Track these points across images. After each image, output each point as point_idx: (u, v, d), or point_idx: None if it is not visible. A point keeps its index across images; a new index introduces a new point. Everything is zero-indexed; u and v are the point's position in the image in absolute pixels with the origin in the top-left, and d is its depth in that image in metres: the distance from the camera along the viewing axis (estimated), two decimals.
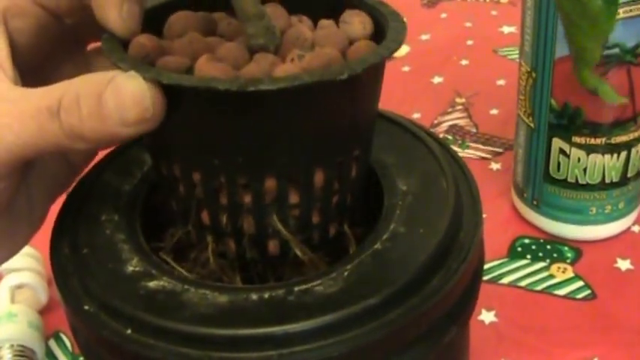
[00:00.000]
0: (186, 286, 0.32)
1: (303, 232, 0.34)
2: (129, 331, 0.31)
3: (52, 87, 0.32)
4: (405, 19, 0.34)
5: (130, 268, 0.34)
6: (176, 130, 0.32)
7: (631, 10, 0.47)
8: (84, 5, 0.34)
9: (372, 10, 0.35)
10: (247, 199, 0.33)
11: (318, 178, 0.33)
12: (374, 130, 0.36)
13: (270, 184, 0.33)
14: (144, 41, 0.33)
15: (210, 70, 0.31)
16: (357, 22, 0.35)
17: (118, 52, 0.32)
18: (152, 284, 0.33)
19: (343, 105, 0.32)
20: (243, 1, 0.32)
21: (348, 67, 0.30)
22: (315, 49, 0.33)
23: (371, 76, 0.33)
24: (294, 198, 0.33)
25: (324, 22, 0.36)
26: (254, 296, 0.32)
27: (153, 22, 0.34)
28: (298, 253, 0.34)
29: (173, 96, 0.30)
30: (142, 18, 0.33)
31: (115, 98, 0.30)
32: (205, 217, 0.34)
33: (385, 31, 0.33)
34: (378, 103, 0.35)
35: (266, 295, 0.32)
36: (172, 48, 0.33)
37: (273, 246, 0.34)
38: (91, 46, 0.39)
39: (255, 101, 0.30)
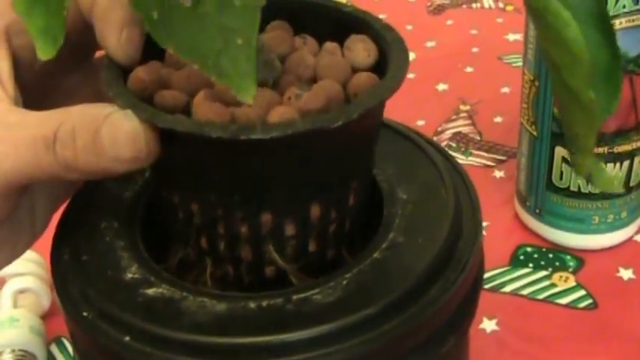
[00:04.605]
0: (184, 294, 0.32)
1: (299, 260, 0.34)
2: (127, 339, 0.31)
3: (50, 115, 0.32)
4: (407, 49, 0.33)
5: (129, 275, 0.34)
6: (172, 165, 0.32)
7: (633, 20, 0.47)
8: (87, 23, 0.34)
9: (377, 35, 0.34)
10: (244, 229, 0.33)
11: (315, 211, 0.33)
12: (374, 160, 0.36)
13: (267, 218, 0.33)
14: (142, 76, 0.32)
15: (206, 111, 0.31)
16: (361, 50, 0.34)
17: (116, 85, 0.32)
18: (151, 292, 0.33)
19: (340, 146, 0.32)
20: None
21: (344, 113, 0.30)
22: (315, 81, 0.33)
23: (370, 116, 0.32)
24: (290, 230, 0.33)
25: (329, 47, 0.35)
26: (252, 304, 0.32)
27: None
28: (294, 280, 0.34)
29: (169, 135, 0.31)
30: (142, 42, 0.33)
31: (111, 136, 0.30)
32: (204, 241, 0.34)
33: (389, 58, 0.33)
34: (379, 135, 0.35)
35: (264, 304, 0.32)
36: (171, 81, 0.33)
37: (270, 271, 0.34)
38: (99, 53, 0.39)
39: (249, 147, 0.30)
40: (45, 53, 0.30)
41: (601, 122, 0.29)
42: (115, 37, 0.32)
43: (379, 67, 0.34)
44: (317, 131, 0.29)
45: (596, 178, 0.32)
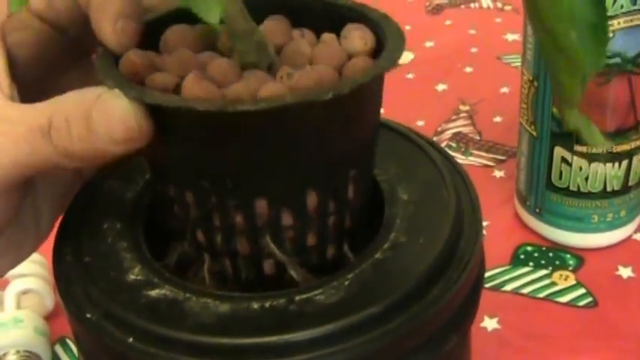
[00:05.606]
0: (187, 295, 0.32)
1: (299, 254, 0.34)
2: (131, 340, 0.31)
3: (43, 105, 0.32)
4: (405, 36, 0.33)
5: (132, 277, 0.34)
6: (165, 150, 0.32)
7: (631, 20, 0.47)
8: (85, 18, 0.34)
9: (375, 25, 0.34)
10: (240, 220, 0.33)
11: (312, 200, 0.33)
12: (375, 148, 0.35)
13: (262, 206, 0.32)
14: (133, 58, 0.32)
15: (195, 89, 0.30)
16: (357, 37, 0.34)
17: (106, 68, 0.32)
18: (154, 293, 0.33)
19: (334, 125, 0.31)
20: (232, 18, 0.32)
21: (334, 87, 0.29)
22: (308, 66, 0.33)
23: (363, 95, 0.32)
24: (287, 220, 0.33)
25: (326, 37, 0.35)
26: (255, 305, 0.32)
27: (154, 34, 0.34)
28: (293, 274, 0.34)
29: (160, 116, 0.30)
30: (138, 33, 0.33)
31: (103, 117, 0.30)
32: (200, 235, 0.34)
33: (386, 45, 0.33)
34: (379, 119, 0.35)
35: (267, 304, 0.32)
36: (163, 65, 0.33)
37: (268, 266, 0.34)
38: None
39: (238, 122, 0.30)
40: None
41: (588, 74, 0.28)
42: (110, 26, 0.32)
43: (377, 57, 0.33)
44: (307, 106, 0.29)
45: (585, 132, 0.32)
